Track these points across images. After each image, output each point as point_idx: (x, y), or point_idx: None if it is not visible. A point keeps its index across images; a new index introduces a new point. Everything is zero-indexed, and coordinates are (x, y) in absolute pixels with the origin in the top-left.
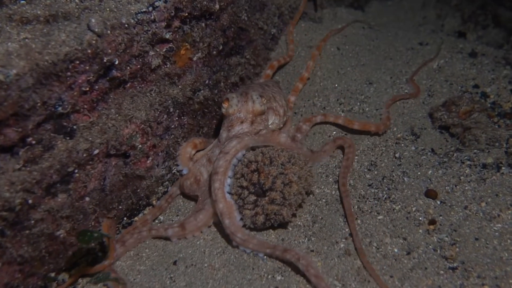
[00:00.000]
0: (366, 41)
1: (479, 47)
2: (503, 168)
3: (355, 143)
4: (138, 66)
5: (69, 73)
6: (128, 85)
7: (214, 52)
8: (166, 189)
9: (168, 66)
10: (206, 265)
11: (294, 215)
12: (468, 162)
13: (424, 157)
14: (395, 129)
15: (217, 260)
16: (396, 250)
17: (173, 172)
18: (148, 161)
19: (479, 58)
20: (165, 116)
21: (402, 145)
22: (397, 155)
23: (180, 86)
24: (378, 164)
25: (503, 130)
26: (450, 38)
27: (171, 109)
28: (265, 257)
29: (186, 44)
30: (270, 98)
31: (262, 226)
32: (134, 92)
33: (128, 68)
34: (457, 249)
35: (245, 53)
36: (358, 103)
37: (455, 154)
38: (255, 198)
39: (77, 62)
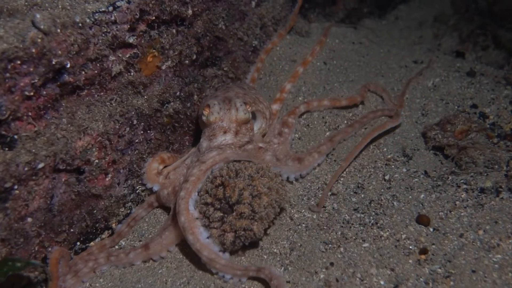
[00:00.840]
0: (356, 57)
1: (478, 67)
2: (503, 192)
3: (342, 161)
4: (96, 72)
5: (7, 74)
6: (84, 92)
7: (187, 62)
8: (129, 211)
9: (132, 74)
10: None
11: (266, 231)
12: (465, 186)
13: (416, 179)
14: (385, 149)
15: None
16: (382, 282)
17: (137, 191)
18: (107, 179)
19: (477, 77)
20: (128, 128)
21: (393, 166)
22: (386, 177)
23: (145, 97)
24: (365, 187)
25: (503, 151)
26: (447, 57)
27: (135, 122)
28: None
29: (154, 50)
30: (255, 100)
31: (232, 246)
32: (91, 101)
33: (83, 73)
34: (452, 282)
35: (222, 64)
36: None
37: (450, 177)
38: (222, 214)
39: (18, 62)
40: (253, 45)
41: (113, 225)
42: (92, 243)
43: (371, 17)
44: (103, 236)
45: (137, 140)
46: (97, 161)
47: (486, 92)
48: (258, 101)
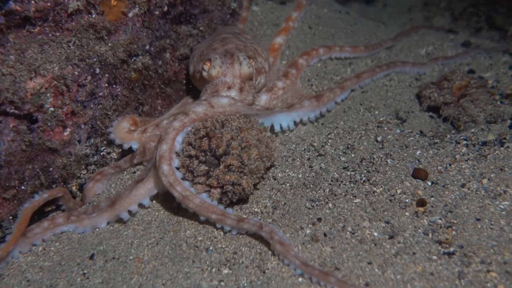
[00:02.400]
0: (343, 25)
1: (473, 39)
2: (507, 144)
3: (332, 123)
4: (48, 4)
5: None
6: (36, 29)
7: (157, 13)
8: (92, 175)
9: (93, 16)
10: (131, 257)
11: (256, 186)
12: (465, 142)
13: (411, 138)
14: (376, 112)
15: (146, 252)
16: (376, 234)
17: (101, 153)
18: (65, 133)
19: (472, 48)
20: (89, 77)
21: (385, 128)
22: (379, 138)
23: (110, 44)
24: (356, 147)
25: (507, 106)
26: (440, 33)
27: (97, 70)
28: (211, 247)
29: None
30: (255, 53)
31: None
32: (44, 40)
33: (33, 2)
34: (454, 232)
35: (198, 23)
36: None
37: (448, 136)
38: (207, 168)
39: None
40: (232, 7)
41: (74, 189)
42: (49, 208)
43: (358, 2)
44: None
45: (101, 94)
46: (52, 109)
47: (483, 59)
48: (257, 53)
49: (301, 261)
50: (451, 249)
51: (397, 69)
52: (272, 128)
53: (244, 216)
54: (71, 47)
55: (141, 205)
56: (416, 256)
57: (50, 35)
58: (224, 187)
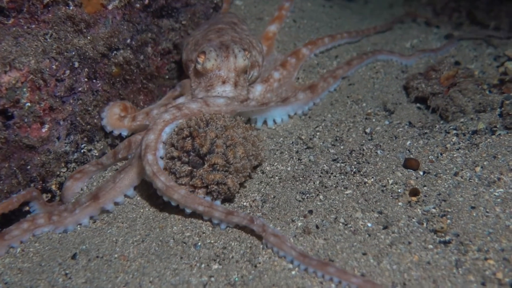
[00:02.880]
0: (327, 19)
1: (456, 33)
2: (498, 131)
3: (319, 116)
4: None
5: None
6: (11, 21)
7: (138, 5)
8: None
9: (71, 8)
10: (116, 256)
11: (242, 185)
12: (455, 132)
13: (400, 129)
14: (364, 104)
15: (132, 250)
16: (369, 224)
17: (82, 150)
18: (43, 129)
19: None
20: (67, 71)
21: (374, 120)
22: (367, 130)
23: (89, 37)
24: (344, 139)
25: (496, 95)
26: (423, 26)
27: (76, 64)
28: (199, 243)
29: None
30: (250, 47)
31: None
32: (19, 32)
33: None
34: (449, 220)
35: (180, 17)
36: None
37: (437, 126)
38: (190, 169)
39: None
40: (215, 1)
41: (53, 187)
42: (27, 208)
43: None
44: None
45: (80, 89)
46: (29, 104)
47: (468, 51)
48: (252, 46)
49: (298, 252)
50: (447, 238)
51: (384, 57)
52: (265, 123)
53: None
54: (48, 40)
55: (126, 196)
56: (412, 245)
57: (25, 27)
58: (209, 186)
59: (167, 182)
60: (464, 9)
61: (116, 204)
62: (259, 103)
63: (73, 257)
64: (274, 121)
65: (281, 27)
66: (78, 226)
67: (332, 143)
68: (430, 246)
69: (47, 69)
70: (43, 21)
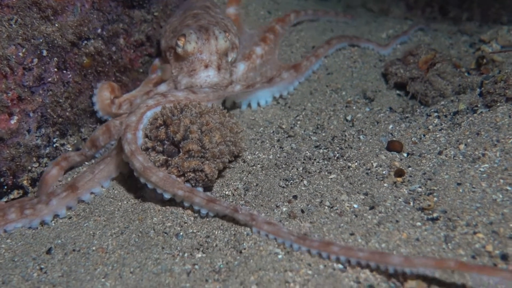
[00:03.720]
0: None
1: (430, 25)
2: (479, 110)
3: (299, 105)
4: None
5: None
6: None
7: None
8: (44, 168)
9: None
10: (94, 248)
11: (221, 173)
12: (436, 114)
13: (381, 115)
14: (343, 93)
15: (111, 242)
16: (356, 206)
17: (54, 145)
18: (12, 121)
19: (430, 32)
20: (35, 60)
21: (354, 108)
22: (348, 117)
23: (57, 25)
24: (326, 127)
25: (475, 76)
26: (397, 19)
27: (45, 52)
28: (181, 233)
29: None
30: (226, 29)
31: None
32: None
33: None
34: (435, 198)
35: (152, 8)
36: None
37: (418, 110)
38: (165, 158)
39: None
40: None
41: (25, 183)
42: None
43: None
44: (12, 196)
45: (50, 79)
46: None
47: (443, 39)
48: (227, 28)
49: (297, 236)
50: (435, 215)
51: (361, 43)
52: (249, 106)
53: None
54: (13, 25)
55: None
56: (400, 224)
57: None
58: (186, 174)
59: (145, 163)
60: (436, 4)
61: (93, 194)
62: (244, 85)
63: (48, 251)
64: (258, 103)
65: (239, 8)
66: (53, 221)
67: (314, 131)
68: (418, 224)
69: (13, 56)
70: (7, 5)
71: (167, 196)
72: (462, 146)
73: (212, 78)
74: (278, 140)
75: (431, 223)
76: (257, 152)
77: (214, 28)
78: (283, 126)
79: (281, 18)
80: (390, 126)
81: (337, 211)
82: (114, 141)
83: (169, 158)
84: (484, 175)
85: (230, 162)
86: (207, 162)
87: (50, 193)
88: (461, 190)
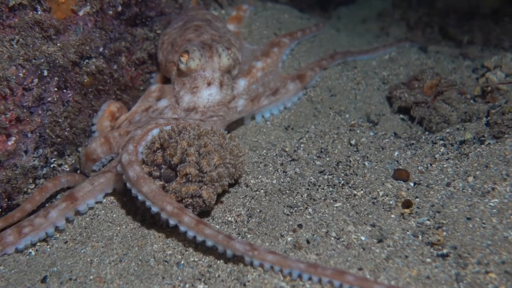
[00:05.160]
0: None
1: (431, 47)
2: (487, 141)
3: (302, 127)
4: None
5: None
6: None
7: (110, 12)
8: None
9: (39, 12)
10: (91, 277)
11: (219, 198)
12: (442, 142)
13: (386, 140)
14: (347, 116)
15: (109, 270)
16: (363, 238)
17: (51, 165)
18: (9, 142)
19: (433, 54)
20: (35, 80)
21: (358, 131)
22: (352, 141)
23: (59, 44)
24: (330, 151)
25: (481, 104)
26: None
27: (45, 72)
28: (182, 261)
29: None
30: (230, 44)
31: None
32: None
33: None
34: (445, 233)
35: (154, 26)
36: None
37: (423, 136)
38: (162, 183)
39: None
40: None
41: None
42: None
43: (313, 15)
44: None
45: (49, 99)
46: None
47: (446, 63)
48: (231, 43)
49: (307, 264)
50: (445, 251)
51: (364, 57)
52: (253, 118)
53: (217, 227)
54: (14, 45)
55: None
56: (409, 259)
57: None
58: (183, 200)
59: (139, 173)
60: (436, 24)
61: (88, 207)
62: (248, 98)
63: (43, 280)
64: (263, 117)
65: (241, 27)
66: (48, 246)
67: (318, 155)
68: (428, 260)
69: (14, 77)
70: (9, 25)
71: (154, 209)
72: (470, 179)
73: (215, 96)
74: (282, 164)
75: (441, 260)
76: (260, 176)
77: (218, 46)
78: (287, 149)
79: (289, 33)
80: (396, 153)
81: (344, 243)
82: (114, 155)
83: (166, 184)
84: (494, 210)
85: (231, 186)
86: (205, 187)
87: (48, 206)
88: (471, 225)
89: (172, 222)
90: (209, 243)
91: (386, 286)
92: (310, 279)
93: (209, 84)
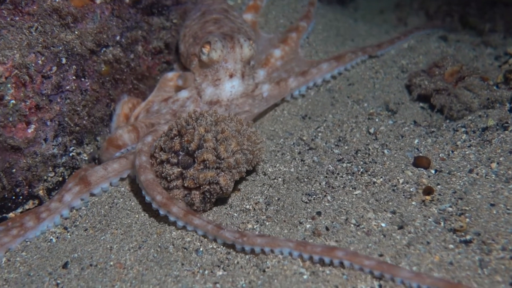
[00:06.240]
0: (322, 20)
1: (452, 36)
2: (510, 127)
3: (320, 116)
4: None
5: None
6: None
7: (127, 1)
8: (60, 178)
9: (57, 0)
10: (111, 263)
11: (237, 186)
12: (463, 129)
13: (406, 128)
14: (365, 104)
15: (129, 256)
16: (383, 224)
17: (70, 154)
18: (29, 130)
19: (453, 42)
20: (54, 68)
21: (377, 120)
22: (371, 130)
23: (77, 32)
24: (348, 139)
25: (504, 90)
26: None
27: (64, 60)
28: (201, 248)
29: None
30: (248, 35)
31: (202, 205)
32: (2, 24)
33: None
34: (468, 219)
35: (171, 15)
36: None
37: (444, 124)
38: (180, 170)
39: None
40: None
41: (40, 193)
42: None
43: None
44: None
45: (68, 87)
46: (14, 102)
47: (467, 51)
48: (249, 35)
49: (296, 243)
50: (468, 237)
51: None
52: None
53: (235, 215)
54: (33, 33)
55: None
56: (431, 245)
57: (8, 19)
58: (201, 187)
59: (144, 163)
60: (456, 13)
61: (103, 190)
62: (273, 82)
63: (65, 265)
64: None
65: (258, 16)
66: (69, 233)
67: (336, 143)
68: (451, 246)
69: (33, 64)
70: (28, 13)
71: (147, 198)
72: (494, 165)
73: (237, 88)
74: (299, 153)
75: (464, 246)
76: (278, 165)
77: (239, 36)
78: (304, 138)
79: (304, 14)
80: (416, 141)
81: (364, 229)
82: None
83: (184, 171)
84: None
85: (249, 173)
86: (222, 173)
87: (61, 189)
88: (494, 212)
89: (161, 212)
90: (200, 232)
91: (376, 261)
92: (330, 264)
93: (231, 76)
